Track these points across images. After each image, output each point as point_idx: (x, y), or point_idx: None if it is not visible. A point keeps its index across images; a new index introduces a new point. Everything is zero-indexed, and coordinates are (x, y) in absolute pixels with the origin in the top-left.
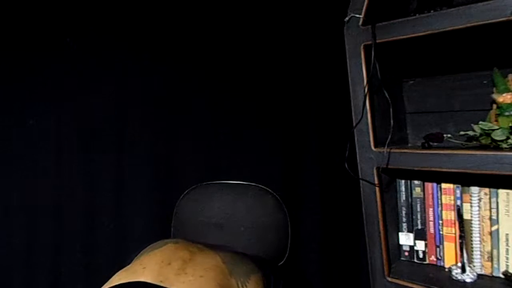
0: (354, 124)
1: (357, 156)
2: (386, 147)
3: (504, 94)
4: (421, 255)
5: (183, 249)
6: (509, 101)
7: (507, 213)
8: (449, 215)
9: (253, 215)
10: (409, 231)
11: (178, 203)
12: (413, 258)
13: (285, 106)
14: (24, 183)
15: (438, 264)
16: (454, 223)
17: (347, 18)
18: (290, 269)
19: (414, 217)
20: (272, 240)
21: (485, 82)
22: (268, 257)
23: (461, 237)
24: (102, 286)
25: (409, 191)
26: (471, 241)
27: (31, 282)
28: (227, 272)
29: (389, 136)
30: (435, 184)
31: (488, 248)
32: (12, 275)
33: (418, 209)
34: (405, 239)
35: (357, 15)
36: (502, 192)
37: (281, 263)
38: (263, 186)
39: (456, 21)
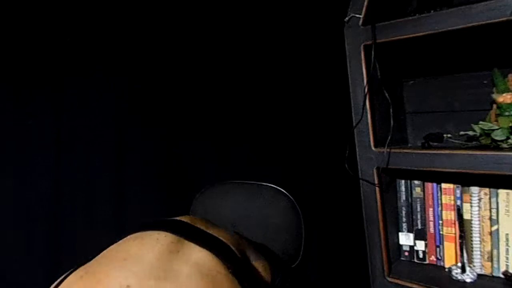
0: (354, 124)
1: (357, 156)
2: (386, 147)
3: (504, 94)
4: (421, 255)
5: (201, 220)
6: (509, 101)
7: (507, 213)
8: (449, 215)
9: (266, 215)
10: (409, 231)
11: (195, 201)
12: (413, 258)
13: (285, 106)
14: (23, 184)
15: (438, 264)
16: (454, 223)
17: (347, 18)
18: (301, 272)
19: (414, 217)
20: (284, 242)
21: (485, 82)
22: (281, 257)
23: (461, 237)
24: None
25: (409, 191)
26: (471, 241)
27: (30, 284)
28: (242, 243)
29: (389, 136)
30: (435, 184)
31: (488, 248)
32: (9, 276)
33: (418, 209)
34: (405, 239)
35: (357, 15)
36: (502, 192)
37: (293, 265)
38: (277, 187)
39: (456, 21)
